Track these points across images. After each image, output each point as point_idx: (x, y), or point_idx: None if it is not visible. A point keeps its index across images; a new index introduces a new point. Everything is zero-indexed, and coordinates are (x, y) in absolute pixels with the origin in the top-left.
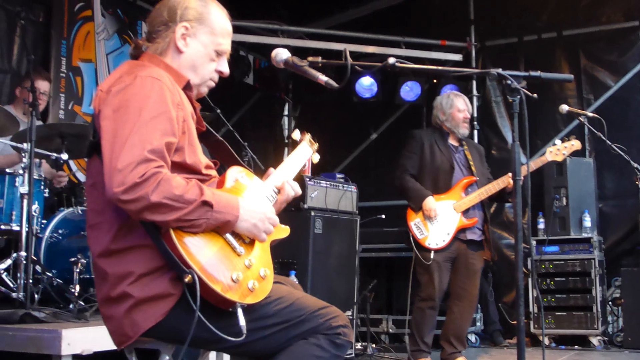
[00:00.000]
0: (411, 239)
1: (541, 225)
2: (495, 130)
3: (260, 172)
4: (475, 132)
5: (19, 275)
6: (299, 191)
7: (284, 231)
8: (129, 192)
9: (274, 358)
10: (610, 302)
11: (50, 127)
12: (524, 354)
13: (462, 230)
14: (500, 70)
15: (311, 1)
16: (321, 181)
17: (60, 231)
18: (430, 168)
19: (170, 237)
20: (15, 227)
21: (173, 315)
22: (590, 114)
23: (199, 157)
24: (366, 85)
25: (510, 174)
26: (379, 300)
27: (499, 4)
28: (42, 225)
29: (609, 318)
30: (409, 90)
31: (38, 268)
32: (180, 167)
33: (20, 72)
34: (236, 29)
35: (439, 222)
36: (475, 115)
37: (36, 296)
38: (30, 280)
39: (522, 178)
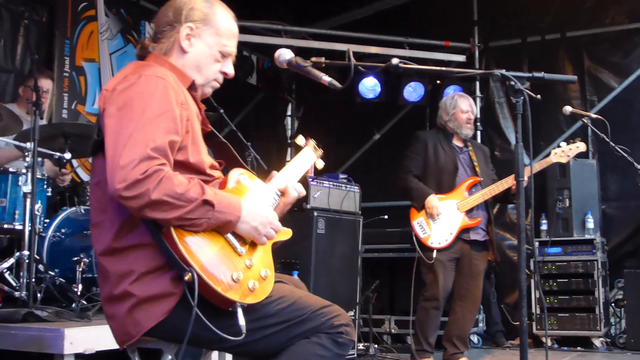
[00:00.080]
0: (414, 238)
1: (544, 227)
2: (498, 132)
3: (263, 172)
4: (479, 133)
5: (21, 274)
6: (303, 192)
7: (286, 233)
8: (131, 189)
9: (277, 357)
10: (613, 304)
11: (54, 127)
12: (526, 355)
13: (465, 230)
14: (503, 72)
15: (314, 1)
16: (324, 181)
17: (63, 230)
18: (434, 169)
19: (171, 236)
20: (18, 226)
21: (175, 314)
22: (594, 116)
23: (202, 156)
24: (369, 85)
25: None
26: (382, 300)
27: (502, 5)
28: (45, 225)
29: (612, 320)
30: (412, 91)
31: (41, 267)
32: (183, 166)
33: (23, 72)
34: (239, 29)
35: (442, 221)
36: (478, 116)
37: (39, 295)
38: (33, 280)
39: (526, 179)
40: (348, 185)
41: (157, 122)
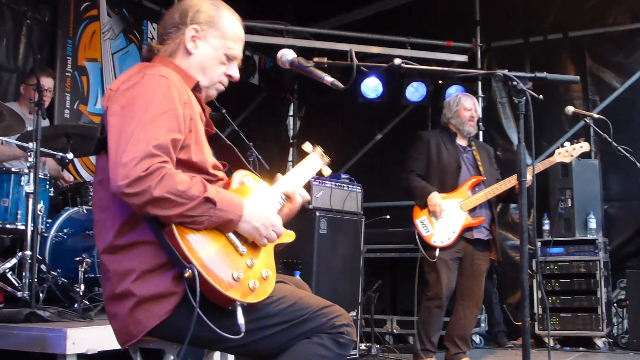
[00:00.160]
0: (417, 236)
1: (546, 227)
2: (500, 132)
3: (265, 172)
4: (481, 133)
5: (24, 274)
6: (308, 197)
7: (289, 236)
8: (132, 186)
9: (278, 358)
10: (615, 304)
11: (56, 128)
12: (529, 355)
13: (468, 229)
14: (506, 72)
15: (316, 2)
16: (326, 181)
17: (65, 230)
18: (437, 168)
19: (172, 232)
20: (21, 226)
21: (176, 314)
22: (596, 116)
23: (205, 156)
24: (371, 85)
25: None
26: (384, 300)
27: (504, 5)
28: (47, 225)
29: (614, 320)
30: (415, 91)
31: (43, 267)
32: (186, 165)
33: (26, 72)
34: None
35: (445, 220)
36: (480, 116)
37: (41, 295)
38: (35, 280)
39: (530, 179)
40: (350, 186)
41: (159, 121)
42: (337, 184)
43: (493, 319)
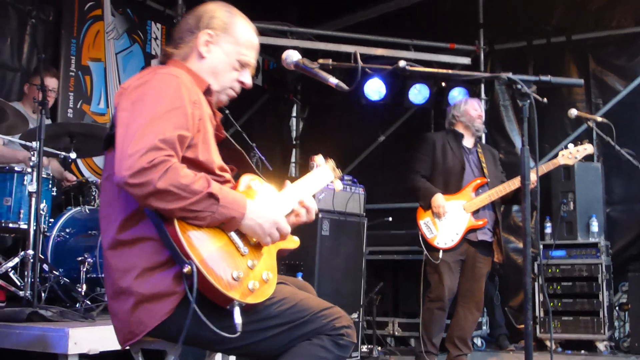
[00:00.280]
0: (420, 238)
1: (548, 230)
2: (503, 134)
3: (268, 173)
4: (483, 135)
5: (26, 273)
6: (316, 208)
7: (293, 242)
8: (136, 177)
9: (278, 359)
10: (617, 307)
11: (59, 126)
12: (531, 358)
13: (472, 230)
14: (510, 75)
15: (320, 3)
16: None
17: (67, 230)
18: (442, 169)
19: (173, 227)
20: (23, 226)
21: (178, 314)
22: (599, 119)
23: (212, 156)
24: (375, 87)
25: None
26: (386, 302)
27: (508, 7)
28: (50, 224)
29: (616, 323)
30: (418, 93)
31: (45, 267)
32: (192, 164)
33: (29, 71)
34: None
35: (449, 221)
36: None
37: (43, 295)
38: (38, 279)
39: (534, 182)
40: (353, 187)
41: (167, 117)
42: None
43: (495, 322)
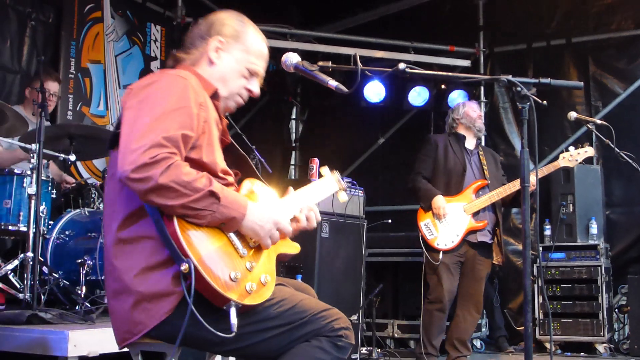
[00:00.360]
0: (420, 239)
1: (547, 232)
2: (502, 137)
3: (267, 176)
4: (483, 138)
5: (25, 276)
6: (319, 217)
7: (294, 248)
8: (138, 171)
9: None
10: (616, 310)
11: (59, 128)
12: None
13: (472, 232)
14: (510, 77)
15: (321, 5)
16: None
17: (67, 232)
18: (443, 170)
19: (173, 225)
20: (23, 228)
21: (176, 315)
22: (599, 121)
23: (216, 159)
24: (374, 90)
25: None
26: (385, 304)
27: (508, 10)
28: (49, 226)
29: (615, 325)
30: (417, 96)
31: (45, 269)
32: (196, 165)
33: (29, 73)
34: None
35: (449, 223)
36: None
37: (43, 297)
38: (37, 282)
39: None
40: (352, 189)
41: (172, 116)
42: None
43: (494, 324)
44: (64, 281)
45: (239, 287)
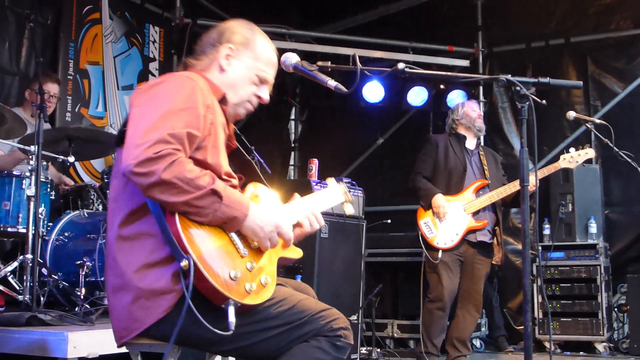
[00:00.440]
0: (420, 237)
1: (547, 231)
2: (501, 136)
3: (267, 176)
4: (482, 137)
5: (25, 277)
6: (322, 223)
7: (296, 252)
8: (142, 166)
9: None
10: (615, 309)
11: (58, 130)
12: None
13: (472, 231)
14: (509, 77)
15: (320, 6)
16: (327, 185)
17: (66, 234)
18: (444, 170)
19: (174, 222)
20: (22, 230)
21: (175, 314)
22: (598, 121)
23: (220, 161)
24: (373, 90)
25: None
26: (385, 304)
27: (506, 10)
28: (48, 228)
29: (615, 324)
30: (416, 96)
31: (44, 271)
32: (200, 165)
33: (28, 75)
34: None
35: (449, 222)
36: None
37: (42, 299)
38: (37, 283)
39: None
40: (351, 190)
41: (179, 115)
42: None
43: (493, 323)
44: (64, 283)
45: (238, 286)
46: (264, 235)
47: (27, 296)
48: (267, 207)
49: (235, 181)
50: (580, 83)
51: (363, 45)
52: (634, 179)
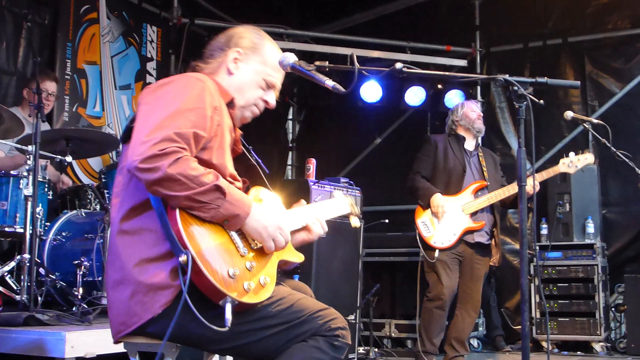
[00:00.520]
0: (417, 236)
1: (544, 231)
2: (499, 136)
3: (265, 176)
4: (479, 137)
5: (22, 277)
6: (326, 229)
7: (297, 256)
8: (147, 162)
9: None
10: (613, 309)
11: (56, 132)
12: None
13: (469, 232)
14: (507, 77)
15: (317, 6)
16: (325, 185)
17: (63, 234)
18: (443, 171)
19: (175, 217)
20: (19, 229)
21: (172, 310)
22: (595, 121)
23: (225, 162)
24: (371, 90)
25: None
26: (382, 304)
27: (504, 9)
28: (46, 228)
29: (612, 324)
30: (414, 95)
31: (42, 270)
32: (205, 165)
33: (26, 74)
34: None
35: (446, 221)
36: None
37: (40, 299)
38: (34, 283)
39: (531, 185)
40: (349, 189)
41: (187, 115)
42: (336, 187)
43: (491, 323)
44: (61, 282)
45: (236, 284)
46: (267, 236)
47: (25, 296)
48: (270, 209)
49: (239, 184)
50: (578, 83)
51: (361, 45)
52: (631, 179)
